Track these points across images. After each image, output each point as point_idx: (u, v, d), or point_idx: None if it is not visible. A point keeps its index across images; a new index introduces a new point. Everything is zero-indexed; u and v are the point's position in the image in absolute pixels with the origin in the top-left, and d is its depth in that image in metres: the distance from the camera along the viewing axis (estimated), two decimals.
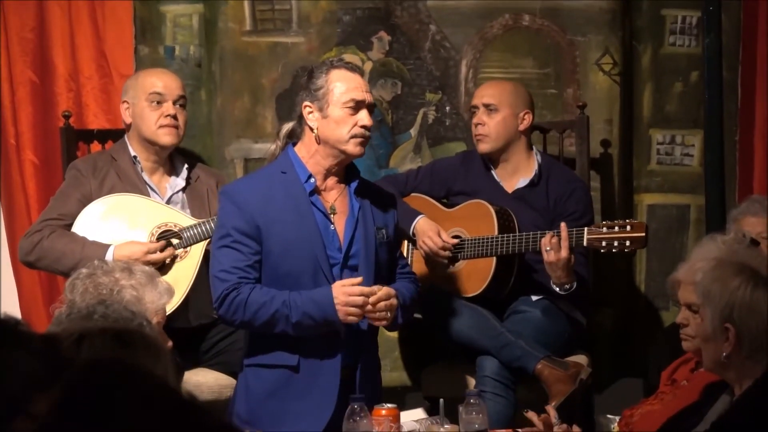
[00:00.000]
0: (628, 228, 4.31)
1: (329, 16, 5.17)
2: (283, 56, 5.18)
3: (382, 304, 3.90)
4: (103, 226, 4.43)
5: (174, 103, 4.57)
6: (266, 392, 3.92)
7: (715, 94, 4.58)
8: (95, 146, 4.91)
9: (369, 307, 3.87)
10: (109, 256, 4.25)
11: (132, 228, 4.42)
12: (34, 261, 4.46)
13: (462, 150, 5.06)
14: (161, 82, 4.60)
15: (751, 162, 5.25)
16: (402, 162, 5.20)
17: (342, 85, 3.92)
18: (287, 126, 4.08)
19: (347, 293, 3.83)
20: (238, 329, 4.21)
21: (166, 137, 4.54)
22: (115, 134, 4.80)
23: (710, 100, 4.59)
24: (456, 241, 4.65)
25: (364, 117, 3.92)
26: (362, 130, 3.92)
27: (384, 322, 3.95)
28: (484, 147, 4.74)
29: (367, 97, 3.97)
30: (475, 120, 4.76)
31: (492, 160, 4.79)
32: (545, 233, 4.42)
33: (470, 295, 4.59)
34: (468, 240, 4.63)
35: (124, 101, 4.62)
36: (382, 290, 3.92)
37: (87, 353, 2.33)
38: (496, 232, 4.57)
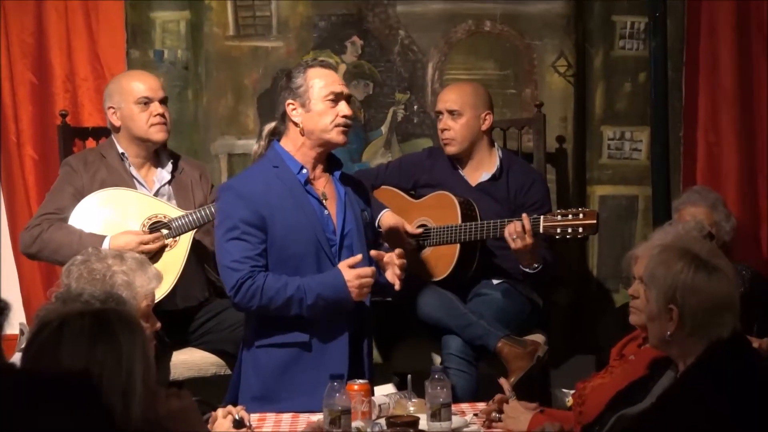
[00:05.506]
0: (581, 216, 4.43)
1: (306, 21, 5.26)
2: (264, 59, 5.29)
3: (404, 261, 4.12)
4: (97, 219, 4.47)
5: (160, 102, 4.61)
6: (279, 369, 4.01)
7: (661, 93, 4.68)
8: (90, 142, 4.97)
9: (397, 270, 4.09)
10: (105, 247, 4.23)
11: (124, 220, 4.46)
12: (35, 252, 4.52)
13: (429, 146, 5.17)
14: (145, 85, 4.62)
15: (694, 155, 5.40)
16: (374, 157, 5.32)
17: (320, 81, 4.05)
18: (269, 126, 4.19)
19: (359, 275, 3.98)
20: (250, 312, 4.12)
21: (159, 134, 4.59)
22: (108, 131, 4.79)
23: (656, 99, 4.69)
24: (420, 230, 4.73)
25: (344, 108, 4.06)
26: (344, 120, 4.05)
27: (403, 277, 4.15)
28: (451, 149, 4.82)
29: (345, 90, 4.10)
30: (440, 125, 4.83)
31: (458, 159, 4.88)
32: (504, 221, 4.51)
33: (437, 278, 4.71)
34: (434, 228, 4.73)
35: (110, 107, 4.62)
36: (397, 250, 4.15)
37: (68, 336, 2.37)
38: (459, 221, 4.66)
